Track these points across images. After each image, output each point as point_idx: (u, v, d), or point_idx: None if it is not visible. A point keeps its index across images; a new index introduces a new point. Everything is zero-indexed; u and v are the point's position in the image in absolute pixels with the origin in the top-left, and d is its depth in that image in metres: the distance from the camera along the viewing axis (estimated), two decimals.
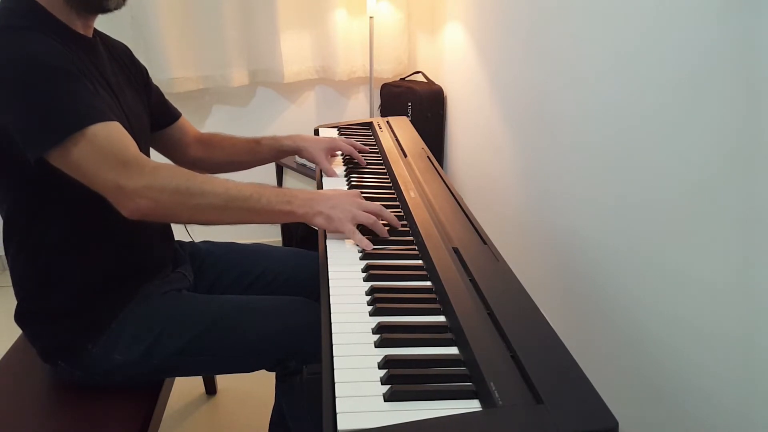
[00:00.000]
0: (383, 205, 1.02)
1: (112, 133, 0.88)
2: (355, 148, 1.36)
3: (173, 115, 1.29)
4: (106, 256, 1.03)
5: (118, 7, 0.99)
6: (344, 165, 1.35)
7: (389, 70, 2.44)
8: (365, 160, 1.34)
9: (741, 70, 0.86)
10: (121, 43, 1.18)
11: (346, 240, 0.97)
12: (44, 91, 0.86)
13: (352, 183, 1.24)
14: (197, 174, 0.93)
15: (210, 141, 1.34)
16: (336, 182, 1.26)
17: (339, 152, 1.40)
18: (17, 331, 1.09)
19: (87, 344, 1.01)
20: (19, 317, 1.04)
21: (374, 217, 0.98)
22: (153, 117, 1.22)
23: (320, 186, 1.24)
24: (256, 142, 1.34)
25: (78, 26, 0.99)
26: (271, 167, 2.34)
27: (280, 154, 1.36)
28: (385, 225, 1.00)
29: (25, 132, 0.86)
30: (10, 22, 0.90)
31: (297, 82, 2.40)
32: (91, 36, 1.03)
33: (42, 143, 0.86)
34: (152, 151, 1.33)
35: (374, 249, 0.94)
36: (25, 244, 0.99)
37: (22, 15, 0.92)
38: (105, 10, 0.98)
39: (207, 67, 2.26)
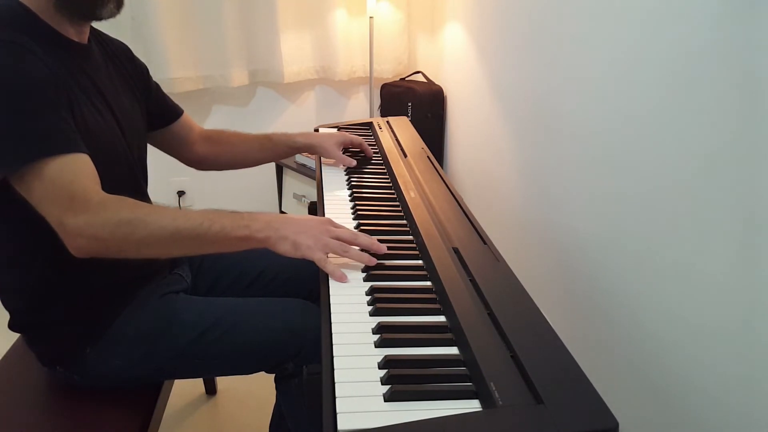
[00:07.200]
0: (383, 206, 1.01)
1: (65, 167, 0.83)
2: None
3: (175, 113, 1.26)
4: (100, 263, 1.01)
5: (112, 15, 0.96)
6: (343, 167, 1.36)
7: (389, 70, 2.45)
8: (368, 163, 1.36)
9: (738, 68, 0.86)
10: (120, 42, 1.16)
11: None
12: (7, 115, 0.82)
13: (353, 183, 1.24)
14: (143, 205, 0.88)
15: (218, 138, 1.33)
16: (337, 181, 1.26)
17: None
18: (15, 333, 1.09)
19: (85, 349, 1.01)
20: (14, 326, 1.02)
21: (347, 246, 0.89)
22: (153, 115, 1.21)
23: (321, 183, 1.24)
24: (267, 138, 1.33)
25: (71, 33, 0.96)
26: (271, 167, 2.34)
27: (293, 151, 1.36)
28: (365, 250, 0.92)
29: None
30: None
31: (297, 82, 2.40)
32: (85, 41, 1.00)
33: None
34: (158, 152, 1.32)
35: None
36: (16, 256, 0.97)
37: (8, 24, 0.88)
38: (98, 18, 0.95)
39: (207, 67, 2.26)
